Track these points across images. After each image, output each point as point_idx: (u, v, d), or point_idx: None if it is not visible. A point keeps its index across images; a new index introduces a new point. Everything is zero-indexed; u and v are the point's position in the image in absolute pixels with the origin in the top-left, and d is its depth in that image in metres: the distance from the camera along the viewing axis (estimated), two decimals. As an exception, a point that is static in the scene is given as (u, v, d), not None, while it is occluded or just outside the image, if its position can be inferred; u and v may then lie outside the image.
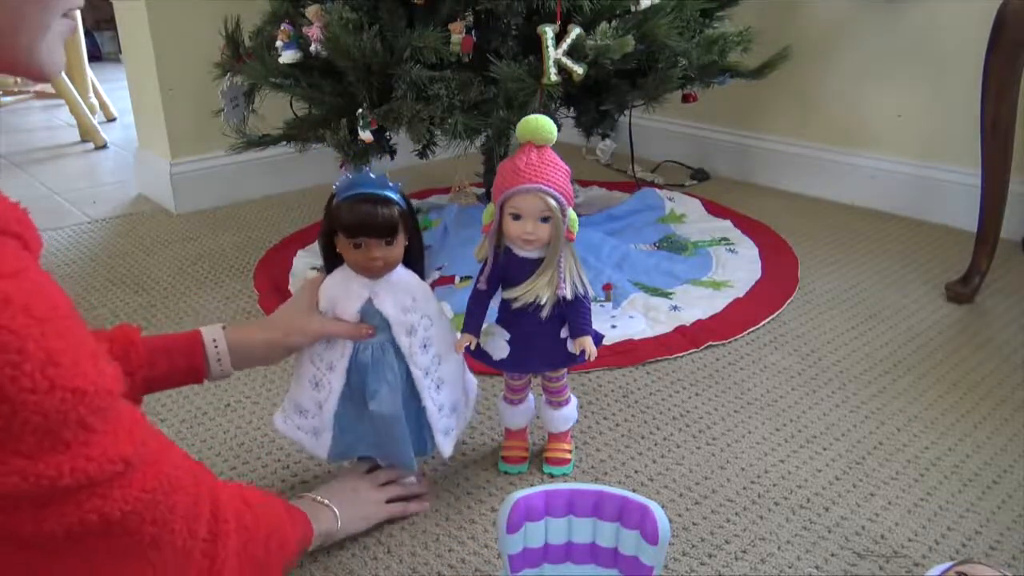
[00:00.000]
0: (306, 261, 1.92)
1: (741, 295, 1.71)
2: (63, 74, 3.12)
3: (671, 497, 1.13)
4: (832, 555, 1.02)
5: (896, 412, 1.32)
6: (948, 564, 0.90)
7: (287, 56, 1.60)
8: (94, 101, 3.48)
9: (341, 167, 1.71)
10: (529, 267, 1.05)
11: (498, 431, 1.27)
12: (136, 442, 0.61)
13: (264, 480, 1.18)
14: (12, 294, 0.49)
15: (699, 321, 1.60)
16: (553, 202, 0.99)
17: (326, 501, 1.02)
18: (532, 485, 0.90)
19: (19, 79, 3.46)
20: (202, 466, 0.74)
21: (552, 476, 1.17)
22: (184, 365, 0.96)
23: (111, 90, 3.68)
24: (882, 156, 2.23)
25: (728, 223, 2.10)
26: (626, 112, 1.96)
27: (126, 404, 0.62)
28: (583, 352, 1.07)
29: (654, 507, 0.81)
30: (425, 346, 1.05)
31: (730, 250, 1.93)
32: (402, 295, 1.03)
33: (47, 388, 0.51)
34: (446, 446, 1.09)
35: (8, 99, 3.60)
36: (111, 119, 3.54)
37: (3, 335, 0.48)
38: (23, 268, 0.51)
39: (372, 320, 1.03)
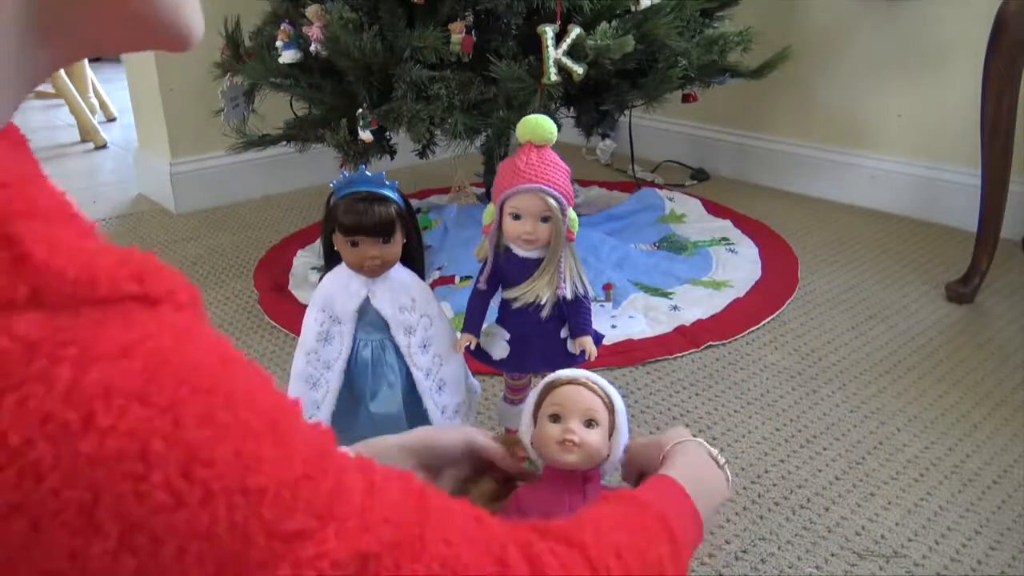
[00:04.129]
0: (306, 261, 1.92)
1: (741, 295, 1.71)
2: (63, 74, 3.12)
3: (671, 497, 1.13)
4: (832, 555, 1.02)
5: (896, 412, 1.32)
6: None
7: (287, 56, 1.60)
8: (94, 101, 3.48)
9: (341, 167, 1.71)
10: (529, 267, 1.04)
11: (498, 431, 1.27)
12: (376, 523, 0.40)
13: (264, 480, 1.18)
14: (116, 380, 0.35)
15: (699, 321, 1.59)
16: (553, 202, 0.99)
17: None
18: (532, 485, 0.90)
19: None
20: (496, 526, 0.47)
21: (552, 476, 1.17)
22: None
23: (111, 90, 3.68)
24: (882, 156, 2.23)
25: (728, 223, 2.10)
26: (626, 112, 1.96)
27: (348, 468, 0.42)
28: (583, 352, 1.07)
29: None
30: (425, 346, 1.05)
31: (730, 250, 1.93)
32: (400, 294, 1.03)
33: (200, 498, 0.35)
34: None
35: (8, 99, 3.60)
36: (111, 119, 3.53)
37: (112, 440, 0.34)
38: (136, 341, 0.37)
39: (370, 318, 1.03)
